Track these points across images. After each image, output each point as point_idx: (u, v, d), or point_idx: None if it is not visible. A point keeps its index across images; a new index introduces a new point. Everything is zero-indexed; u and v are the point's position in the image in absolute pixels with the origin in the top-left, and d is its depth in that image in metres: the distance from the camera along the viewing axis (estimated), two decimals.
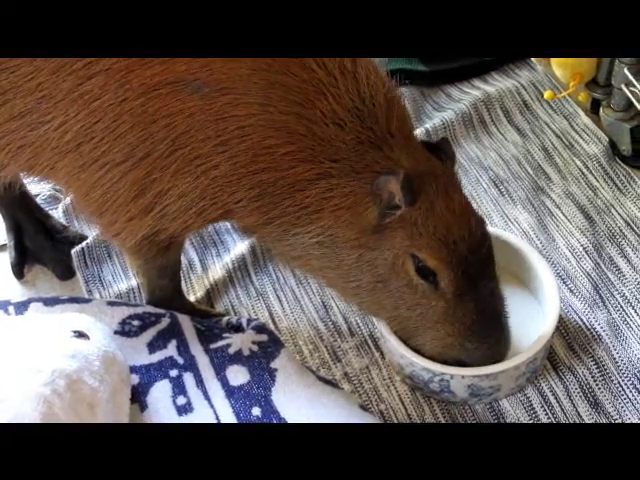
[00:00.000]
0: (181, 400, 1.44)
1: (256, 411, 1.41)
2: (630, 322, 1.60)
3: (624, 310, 1.62)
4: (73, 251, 1.81)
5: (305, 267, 1.42)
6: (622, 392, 1.50)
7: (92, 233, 1.84)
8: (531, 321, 1.55)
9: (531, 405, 1.51)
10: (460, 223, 1.32)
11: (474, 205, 1.70)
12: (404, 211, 1.30)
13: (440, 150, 1.38)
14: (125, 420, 1.38)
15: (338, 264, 1.36)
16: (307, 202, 1.32)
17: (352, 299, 1.44)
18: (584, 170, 1.88)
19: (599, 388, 1.51)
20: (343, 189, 1.30)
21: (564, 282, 1.67)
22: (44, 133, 1.35)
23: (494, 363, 1.42)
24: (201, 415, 1.42)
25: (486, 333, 1.38)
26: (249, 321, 1.58)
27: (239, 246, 1.79)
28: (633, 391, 1.50)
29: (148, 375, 1.47)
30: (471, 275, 1.33)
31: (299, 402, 1.42)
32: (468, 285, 1.33)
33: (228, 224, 1.81)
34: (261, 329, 1.54)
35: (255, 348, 1.50)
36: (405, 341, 1.45)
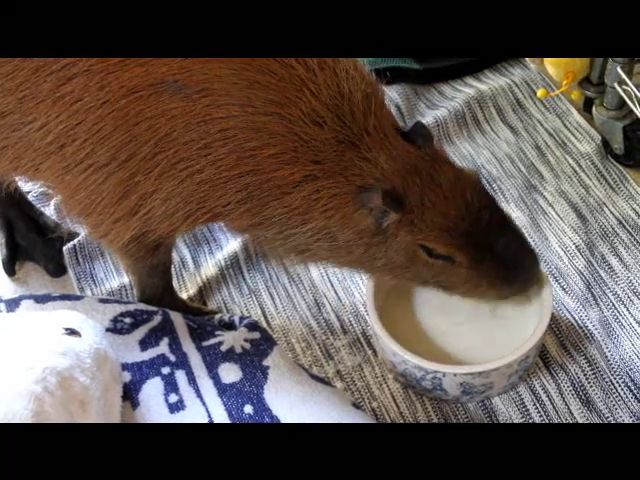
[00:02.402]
0: (173, 398, 1.44)
1: (248, 409, 1.41)
2: (622, 320, 1.60)
3: (616, 308, 1.62)
4: (65, 248, 1.80)
5: (315, 258, 1.40)
6: (614, 390, 1.51)
7: (83, 230, 1.83)
8: (523, 319, 1.55)
9: (523, 403, 1.51)
10: (455, 204, 1.30)
11: None
12: (397, 216, 1.29)
13: (416, 135, 1.34)
14: (117, 417, 1.37)
15: (348, 253, 1.36)
16: (296, 204, 1.30)
17: (371, 275, 1.47)
18: (577, 168, 1.88)
19: (591, 386, 1.52)
20: (329, 190, 1.29)
21: (556, 280, 1.68)
22: (26, 134, 1.34)
23: (528, 289, 1.42)
24: (193, 413, 1.42)
25: (511, 277, 1.37)
26: (241, 319, 1.57)
27: (232, 243, 1.79)
28: (625, 389, 1.51)
29: (140, 373, 1.47)
30: (482, 241, 1.32)
31: (291, 400, 1.42)
32: (482, 252, 1.33)
33: None
34: (253, 327, 1.54)
35: (247, 346, 1.50)
36: None
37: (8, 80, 1.31)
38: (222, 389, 1.44)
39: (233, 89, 1.25)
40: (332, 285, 1.71)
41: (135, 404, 1.43)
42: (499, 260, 1.35)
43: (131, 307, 1.57)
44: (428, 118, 1.98)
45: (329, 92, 1.27)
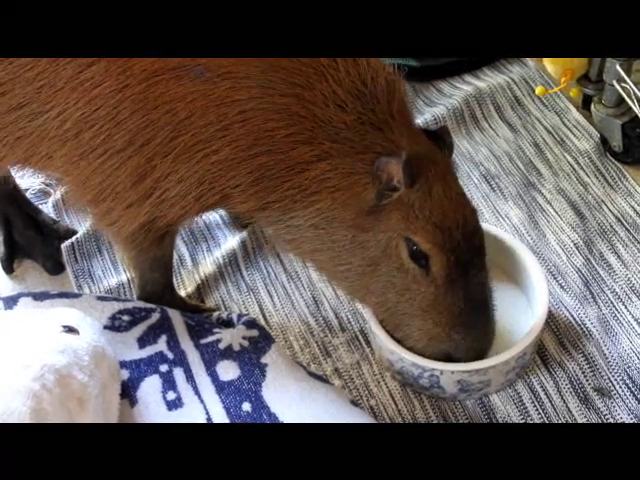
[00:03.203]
0: (171, 395, 1.44)
1: (246, 406, 1.41)
2: (620, 318, 1.60)
3: (614, 306, 1.62)
4: (63, 246, 1.80)
5: (296, 250, 1.42)
6: (612, 388, 1.51)
7: (82, 228, 1.83)
8: (520, 316, 1.55)
9: (521, 400, 1.51)
10: (456, 210, 1.32)
11: None
12: (402, 193, 1.29)
13: (439, 138, 1.38)
14: (115, 415, 1.37)
15: (330, 246, 1.36)
16: (306, 184, 1.31)
17: (341, 283, 1.43)
18: (575, 166, 1.88)
19: (589, 383, 1.52)
20: (343, 169, 1.30)
21: (555, 278, 1.68)
22: (43, 123, 1.34)
23: (479, 356, 1.42)
24: (191, 410, 1.42)
25: (473, 324, 1.37)
26: (239, 316, 1.57)
27: (230, 241, 1.79)
28: (623, 387, 1.51)
29: (138, 370, 1.47)
30: (463, 263, 1.33)
31: (289, 397, 1.42)
32: (459, 272, 1.33)
33: (219, 219, 1.81)
34: (252, 324, 1.54)
35: (245, 343, 1.50)
36: (391, 331, 1.45)
37: (27, 71, 1.32)
38: (220, 387, 1.44)
39: (254, 72, 1.27)
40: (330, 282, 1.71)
41: (133, 402, 1.43)
42: (467, 296, 1.35)
43: (129, 305, 1.57)
44: (427, 115, 1.98)
45: (350, 79, 1.29)
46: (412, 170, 1.28)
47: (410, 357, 1.44)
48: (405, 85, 1.37)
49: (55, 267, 1.80)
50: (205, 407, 1.42)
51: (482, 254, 1.37)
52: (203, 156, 1.31)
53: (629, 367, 1.53)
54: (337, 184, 1.31)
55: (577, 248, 1.72)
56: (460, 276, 1.33)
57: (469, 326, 1.37)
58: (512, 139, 1.96)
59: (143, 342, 1.51)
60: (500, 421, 1.48)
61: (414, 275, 1.34)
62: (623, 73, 1.72)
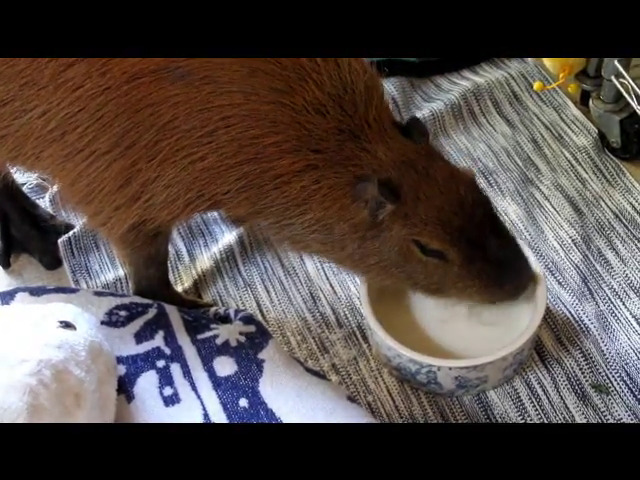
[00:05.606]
0: (168, 391, 1.44)
1: (243, 402, 1.41)
2: (618, 314, 1.60)
3: (612, 302, 1.62)
4: (60, 240, 1.80)
5: (308, 250, 1.42)
6: (609, 385, 1.51)
7: (79, 222, 1.83)
8: (518, 313, 1.55)
9: (519, 397, 1.51)
10: (449, 199, 1.31)
11: None
12: (392, 208, 1.29)
13: (413, 130, 1.35)
14: (111, 410, 1.37)
15: (341, 249, 1.36)
16: (294, 194, 1.31)
17: (363, 275, 1.46)
18: (573, 162, 1.88)
19: (587, 380, 1.52)
20: (327, 181, 1.30)
21: (552, 274, 1.67)
22: (27, 121, 1.33)
23: (519, 294, 1.42)
24: (188, 406, 1.41)
25: (502, 280, 1.38)
26: (237, 312, 1.57)
27: (227, 236, 1.78)
28: (620, 383, 1.51)
29: (135, 366, 1.47)
30: (475, 240, 1.33)
31: (287, 393, 1.42)
32: (474, 250, 1.33)
33: (216, 214, 1.81)
34: (249, 320, 1.53)
35: (242, 339, 1.49)
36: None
37: (9, 67, 1.31)
38: (217, 382, 1.44)
39: (236, 77, 1.25)
40: (328, 278, 1.71)
41: (130, 397, 1.43)
42: (491, 260, 1.35)
43: (126, 300, 1.56)
44: (424, 111, 1.98)
45: (332, 82, 1.28)
46: (390, 189, 1.28)
47: (408, 353, 1.44)
48: (383, 87, 1.36)
49: (52, 262, 1.79)
50: (202, 403, 1.42)
51: (491, 219, 1.36)
52: (189, 163, 1.30)
53: (627, 364, 1.53)
54: (325, 194, 1.30)
55: (575, 244, 1.72)
56: (477, 252, 1.33)
57: (500, 282, 1.37)
58: (510, 135, 1.95)
59: (140, 338, 1.51)
60: (497, 417, 1.48)
61: (434, 264, 1.34)
62: (621, 69, 1.71)
